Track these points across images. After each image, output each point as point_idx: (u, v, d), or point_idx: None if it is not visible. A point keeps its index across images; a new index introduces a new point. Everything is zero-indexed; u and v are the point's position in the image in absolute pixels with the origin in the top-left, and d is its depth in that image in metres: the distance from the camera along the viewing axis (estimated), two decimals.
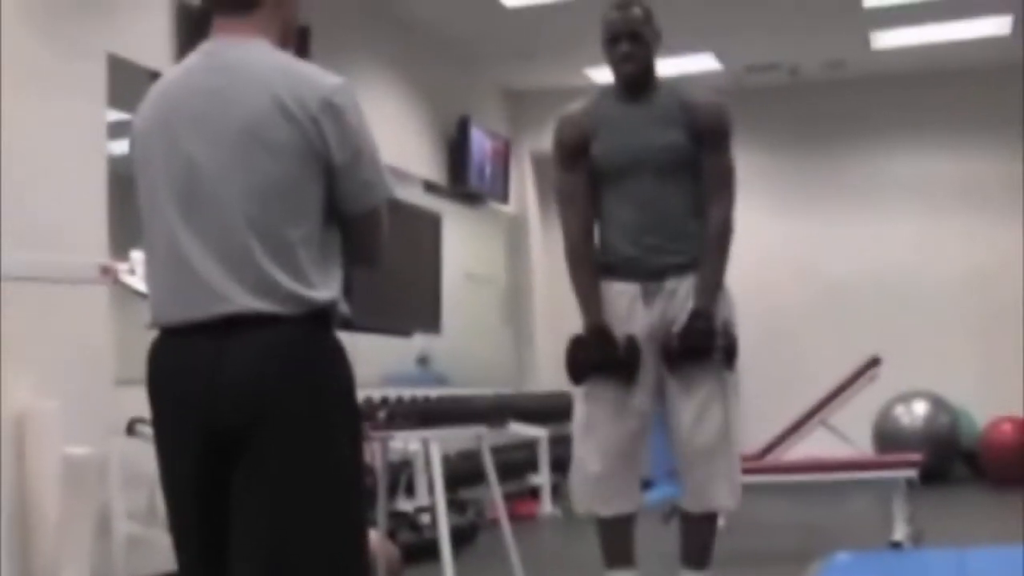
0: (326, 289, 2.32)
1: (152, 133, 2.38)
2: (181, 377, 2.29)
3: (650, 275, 4.05)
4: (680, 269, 4.04)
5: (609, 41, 4.10)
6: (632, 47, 4.06)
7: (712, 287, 4.03)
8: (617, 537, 4.11)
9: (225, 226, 2.28)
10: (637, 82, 4.11)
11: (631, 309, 4.06)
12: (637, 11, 4.10)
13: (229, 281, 2.26)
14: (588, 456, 4.07)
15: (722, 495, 4.05)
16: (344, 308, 2.36)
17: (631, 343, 4.01)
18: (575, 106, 4.20)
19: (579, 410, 4.13)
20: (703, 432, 4.00)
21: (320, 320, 2.31)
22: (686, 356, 3.98)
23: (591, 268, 4.11)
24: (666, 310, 4.04)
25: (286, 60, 2.38)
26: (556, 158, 4.20)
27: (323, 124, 2.29)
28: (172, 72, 2.46)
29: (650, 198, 4.04)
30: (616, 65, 4.11)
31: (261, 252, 2.26)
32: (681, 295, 4.03)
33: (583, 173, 4.12)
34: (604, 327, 4.03)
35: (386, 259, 2.50)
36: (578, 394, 4.13)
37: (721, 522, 4.16)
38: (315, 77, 2.33)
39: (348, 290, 2.39)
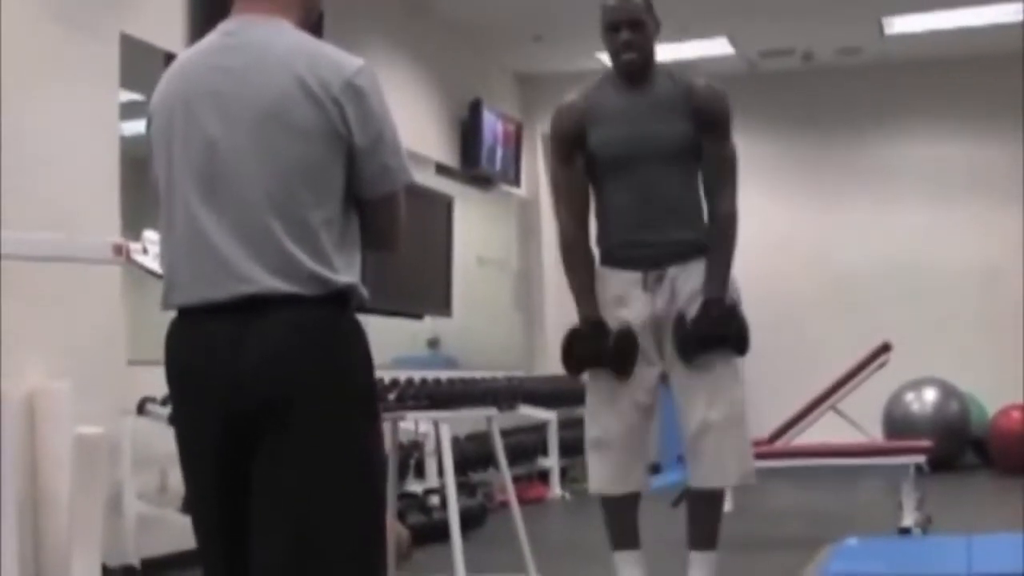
0: (347, 272, 2.30)
1: (170, 111, 2.36)
2: (202, 358, 2.27)
3: (651, 264, 4.04)
4: (682, 256, 4.02)
5: (608, 29, 4.05)
6: (632, 35, 4.01)
7: (722, 277, 4.03)
8: (621, 519, 4.13)
9: (246, 207, 2.26)
10: (637, 71, 4.06)
11: (628, 295, 4.05)
12: None
13: (251, 262, 2.24)
14: (593, 442, 4.12)
15: (730, 471, 4.06)
16: (364, 292, 2.35)
17: (625, 336, 4.00)
18: (571, 96, 4.17)
19: (587, 397, 4.16)
20: (715, 411, 4.00)
21: (341, 302, 2.30)
22: (702, 344, 3.98)
23: (585, 262, 4.12)
24: (671, 300, 4.03)
25: (308, 41, 2.35)
26: (552, 150, 4.22)
27: (345, 106, 2.27)
28: (192, 50, 2.44)
29: (651, 186, 4.02)
30: (616, 53, 4.06)
31: (283, 233, 2.24)
32: (686, 285, 4.02)
33: (577, 166, 4.12)
34: (598, 320, 4.03)
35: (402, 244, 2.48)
36: (586, 380, 4.15)
37: (728, 507, 4.16)
38: (338, 59, 2.31)
39: (361, 273, 2.39)
